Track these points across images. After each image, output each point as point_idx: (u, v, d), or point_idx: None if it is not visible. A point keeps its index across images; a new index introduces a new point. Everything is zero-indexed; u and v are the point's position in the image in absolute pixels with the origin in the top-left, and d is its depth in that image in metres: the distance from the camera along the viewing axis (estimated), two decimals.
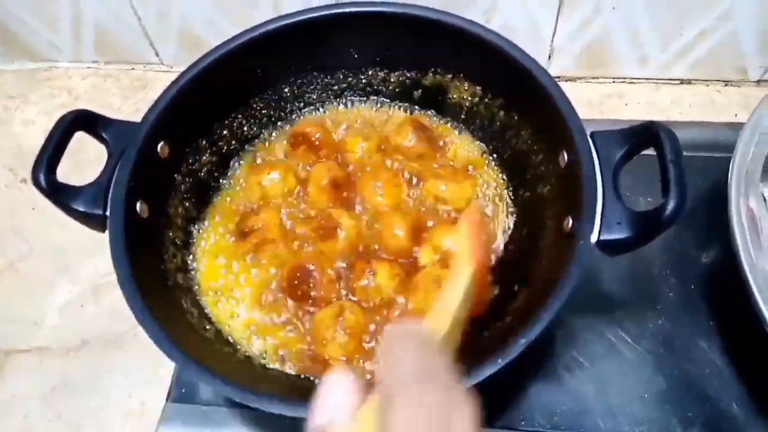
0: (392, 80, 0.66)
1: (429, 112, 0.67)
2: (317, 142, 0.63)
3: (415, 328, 0.28)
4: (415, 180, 0.62)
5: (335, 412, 0.24)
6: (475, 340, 0.52)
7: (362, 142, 0.64)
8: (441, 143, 0.64)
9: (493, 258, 0.58)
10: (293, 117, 0.67)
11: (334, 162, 0.63)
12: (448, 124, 0.66)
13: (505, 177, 0.62)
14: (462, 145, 0.65)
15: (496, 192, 0.62)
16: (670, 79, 0.80)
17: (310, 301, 0.55)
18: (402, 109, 0.68)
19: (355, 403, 0.24)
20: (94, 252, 0.71)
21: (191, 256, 0.58)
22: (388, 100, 0.68)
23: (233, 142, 0.64)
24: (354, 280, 0.56)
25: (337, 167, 0.62)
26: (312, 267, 0.56)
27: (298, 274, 0.56)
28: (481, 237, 0.48)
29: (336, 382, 0.25)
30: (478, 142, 0.65)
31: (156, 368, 0.63)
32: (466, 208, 0.59)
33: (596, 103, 0.79)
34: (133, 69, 0.87)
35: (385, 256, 0.57)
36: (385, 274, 0.55)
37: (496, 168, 0.63)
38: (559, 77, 0.81)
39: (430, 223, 0.59)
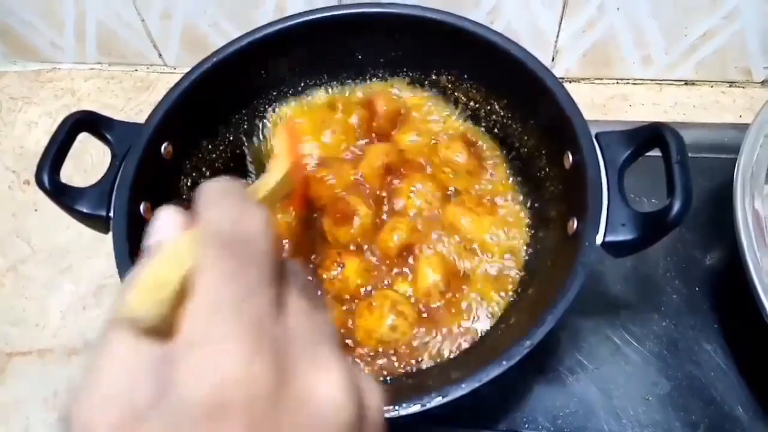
0: (396, 80, 0.66)
1: (480, 128, 0.65)
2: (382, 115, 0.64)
3: (231, 181, 0.29)
4: (452, 197, 0.61)
5: (163, 235, 0.27)
6: (480, 344, 0.53)
7: (414, 135, 0.64)
8: (490, 162, 0.63)
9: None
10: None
11: (389, 144, 0.63)
12: (497, 143, 0.64)
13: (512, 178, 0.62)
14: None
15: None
16: (674, 80, 0.80)
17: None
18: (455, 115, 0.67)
19: (180, 229, 0.27)
20: (96, 253, 0.71)
21: None
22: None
23: (238, 143, 0.64)
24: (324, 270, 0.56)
25: (394, 151, 0.62)
26: None
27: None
28: (295, 141, 0.53)
29: (166, 212, 0.28)
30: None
31: None
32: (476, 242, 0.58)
33: (600, 104, 0.79)
34: (136, 70, 0.87)
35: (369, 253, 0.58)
36: (353, 268, 0.55)
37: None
38: (563, 78, 0.80)
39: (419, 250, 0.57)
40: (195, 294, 0.23)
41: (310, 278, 0.24)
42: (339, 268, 0.56)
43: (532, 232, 0.58)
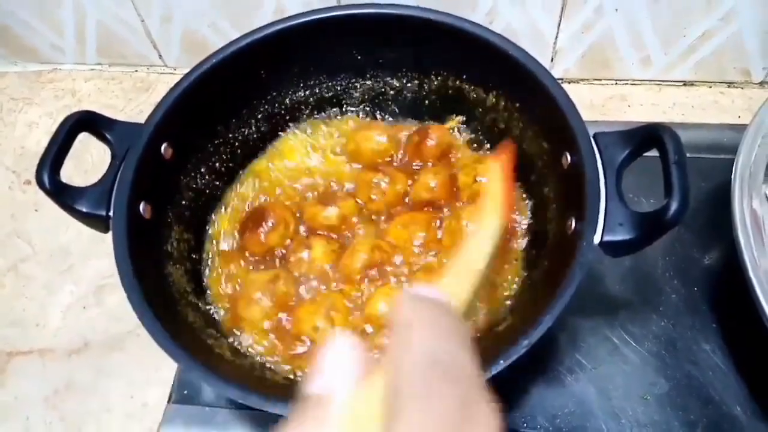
0: (395, 82, 0.66)
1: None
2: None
3: (433, 300, 0.23)
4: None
5: (335, 382, 0.21)
6: (478, 343, 0.53)
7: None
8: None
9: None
10: (299, 118, 0.68)
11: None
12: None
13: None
14: None
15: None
16: (673, 81, 0.80)
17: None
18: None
19: (359, 375, 0.21)
20: (96, 254, 0.71)
21: (195, 257, 0.58)
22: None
23: (237, 144, 0.64)
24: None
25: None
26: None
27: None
28: (512, 184, 0.43)
29: (340, 347, 0.22)
30: None
31: (158, 370, 0.63)
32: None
33: (599, 105, 0.79)
34: (136, 71, 0.87)
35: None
36: (320, 250, 0.57)
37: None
38: (561, 79, 0.81)
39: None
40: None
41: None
42: None
43: (531, 232, 0.59)
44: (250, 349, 0.54)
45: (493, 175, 0.43)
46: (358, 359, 0.21)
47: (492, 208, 0.39)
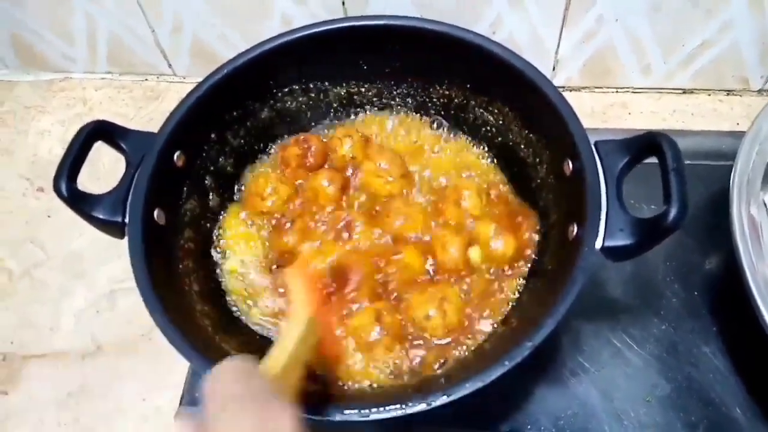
0: (401, 91, 0.68)
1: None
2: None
3: (243, 365, 0.30)
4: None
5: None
6: (483, 346, 0.54)
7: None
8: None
9: None
10: (307, 126, 0.69)
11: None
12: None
13: (512, 185, 0.64)
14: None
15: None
16: (672, 89, 0.81)
17: None
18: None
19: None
20: (108, 258, 0.73)
21: (209, 261, 0.60)
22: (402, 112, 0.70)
23: (248, 150, 0.66)
24: None
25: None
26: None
27: None
28: (314, 287, 0.51)
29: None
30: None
31: (170, 373, 0.65)
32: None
33: (600, 112, 0.81)
34: (146, 80, 0.89)
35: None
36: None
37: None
38: (563, 87, 0.82)
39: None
40: None
41: None
42: None
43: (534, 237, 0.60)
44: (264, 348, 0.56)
45: (293, 285, 0.50)
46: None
47: (299, 308, 0.47)
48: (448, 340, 0.54)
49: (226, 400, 0.27)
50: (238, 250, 0.61)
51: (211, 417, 0.27)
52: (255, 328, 0.58)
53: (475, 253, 0.58)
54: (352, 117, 0.70)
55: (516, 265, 0.58)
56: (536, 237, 0.59)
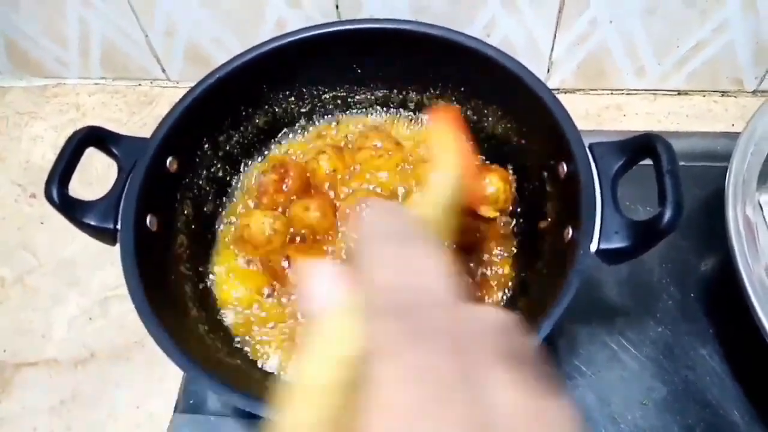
0: (395, 95, 0.68)
1: None
2: None
3: (392, 204, 0.27)
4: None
5: (323, 299, 0.23)
6: None
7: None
8: None
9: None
10: (301, 129, 0.69)
11: None
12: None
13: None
14: None
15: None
16: (667, 90, 0.81)
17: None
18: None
19: (343, 290, 0.23)
20: (101, 265, 0.72)
21: (202, 268, 0.59)
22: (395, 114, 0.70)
23: (241, 155, 0.66)
24: None
25: None
26: None
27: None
28: (458, 132, 0.44)
29: (322, 269, 0.24)
30: None
31: (163, 380, 0.64)
32: None
33: (595, 115, 0.81)
34: (139, 85, 0.89)
35: None
36: None
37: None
38: (558, 89, 0.82)
39: None
40: (372, 401, 0.18)
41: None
42: None
43: (528, 240, 0.60)
44: (257, 356, 0.55)
45: (437, 130, 0.44)
46: (338, 278, 0.23)
47: (446, 158, 0.41)
48: None
49: (376, 242, 0.23)
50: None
51: (356, 252, 0.22)
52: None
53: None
54: (344, 120, 0.69)
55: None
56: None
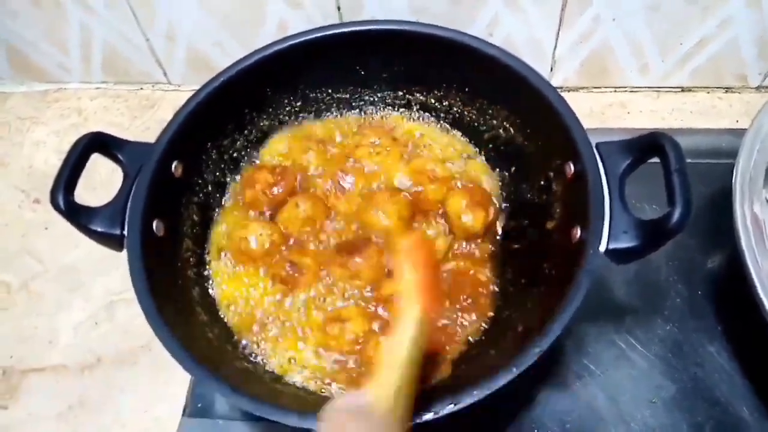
0: (399, 96, 0.67)
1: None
2: None
3: (356, 405, 0.29)
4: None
5: None
6: (488, 351, 0.54)
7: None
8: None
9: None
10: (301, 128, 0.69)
11: None
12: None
13: (512, 188, 0.63)
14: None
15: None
16: (671, 87, 0.81)
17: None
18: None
19: None
20: (106, 270, 0.72)
21: (207, 272, 0.59)
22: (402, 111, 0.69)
23: (245, 158, 0.66)
24: None
25: None
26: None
27: None
28: (428, 268, 0.45)
29: None
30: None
31: (170, 383, 0.64)
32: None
33: (598, 113, 0.80)
34: (141, 89, 0.89)
35: None
36: None
37: (501, 179, 0.64)
38: (561, 87, 0.82)
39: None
40: None
41: None
42: None
43: (534, 241, 0.60)
44: (264, 360, 0.55)
45: (405, 269, 0.44)
46: None
47: (408, 302, 0.42)
48: None
49: None
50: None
51: None
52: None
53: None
54: (347, 121, 0.69)
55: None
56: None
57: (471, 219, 0.59)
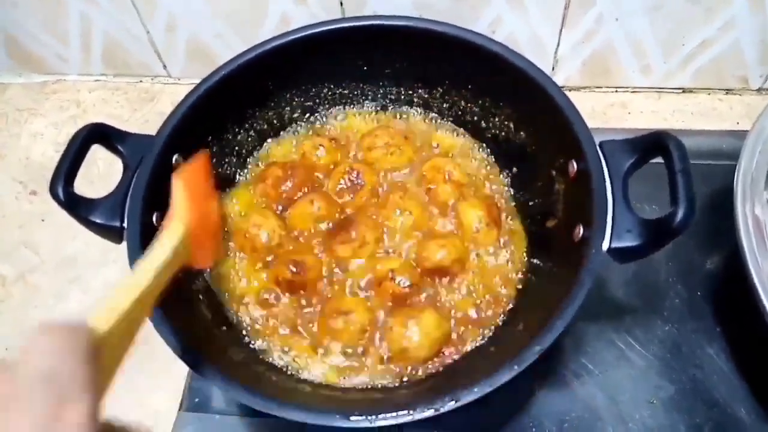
0: (402, 92, 0.67)
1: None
2: None
3: (67, 330, 0.29)
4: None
5: None
6: (488, 348, 0.54)
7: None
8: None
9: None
10: (305, 124, 0.69)
11: None
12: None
13: (514, 187, 0.63)
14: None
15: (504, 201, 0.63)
16: (672, 88, 0.81)
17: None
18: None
19: None
20: (104, 263, 0.72)
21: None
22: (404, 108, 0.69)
23: (245, 151, 0.66)
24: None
25: None
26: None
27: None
28: (198, 199, 0.46)
29: None
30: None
31: (167, 377, 0.64)
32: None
33: (600, 112, 0.80)
34: (140, 81, 0.88)
35: None
36: None
37: (505, 177, 0.64)
38: (563, 87, 0.81)
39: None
40: None
41: None
42: None
43: (536, 240, 0.59)
44: (264, 352, 0.55)
45: (175, 186, 0.46)
46: None
47: (175, 220, 0.43)
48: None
49: (33, 380, 0.27)
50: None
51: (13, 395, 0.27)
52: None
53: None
54: (350, 117, 0.69)
55: None
56: None
57: (483, 234, 0.60)
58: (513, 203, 0.63)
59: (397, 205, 0.61)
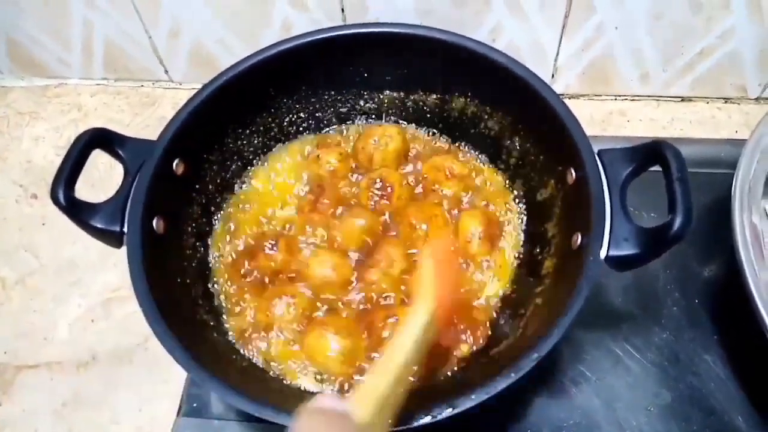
0: (402, 100, 0.68)
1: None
2: None
3: (333, 410, 0.29)
4: None
5: None
6: (485, 355, 0.54)
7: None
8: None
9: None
10: (306, 133, 0.69)
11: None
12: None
13: (513, 193, 0.64)
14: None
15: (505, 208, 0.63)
16: (671, 97, 0.81)
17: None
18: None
19: None
20: (103, 267, 0.72)
21: (209, 272, 0.59)
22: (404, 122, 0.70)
23: (247, 157, 0.66)
24: None
25: None
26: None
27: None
28: (448, 276, 0.46)
29: None
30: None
31: (166, 383, 0.64)
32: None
33: (599, 120, 0.81)
34: (142, 86, 0.88)
35: None
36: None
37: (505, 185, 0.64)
38: (562, 94, 0.82)
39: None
40: None
41: None
42: None
43: (533, 247, 0.60)
44: (262, 361, 0.55)
45: (424, 264, 0.45)
46: None
47: (422, 299, 0.42)
48: None
49: None
50: None
51: None
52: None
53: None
54: (351, 126, 0.69)
55: None
56: None
57: (477, 246, 0.59)
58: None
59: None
